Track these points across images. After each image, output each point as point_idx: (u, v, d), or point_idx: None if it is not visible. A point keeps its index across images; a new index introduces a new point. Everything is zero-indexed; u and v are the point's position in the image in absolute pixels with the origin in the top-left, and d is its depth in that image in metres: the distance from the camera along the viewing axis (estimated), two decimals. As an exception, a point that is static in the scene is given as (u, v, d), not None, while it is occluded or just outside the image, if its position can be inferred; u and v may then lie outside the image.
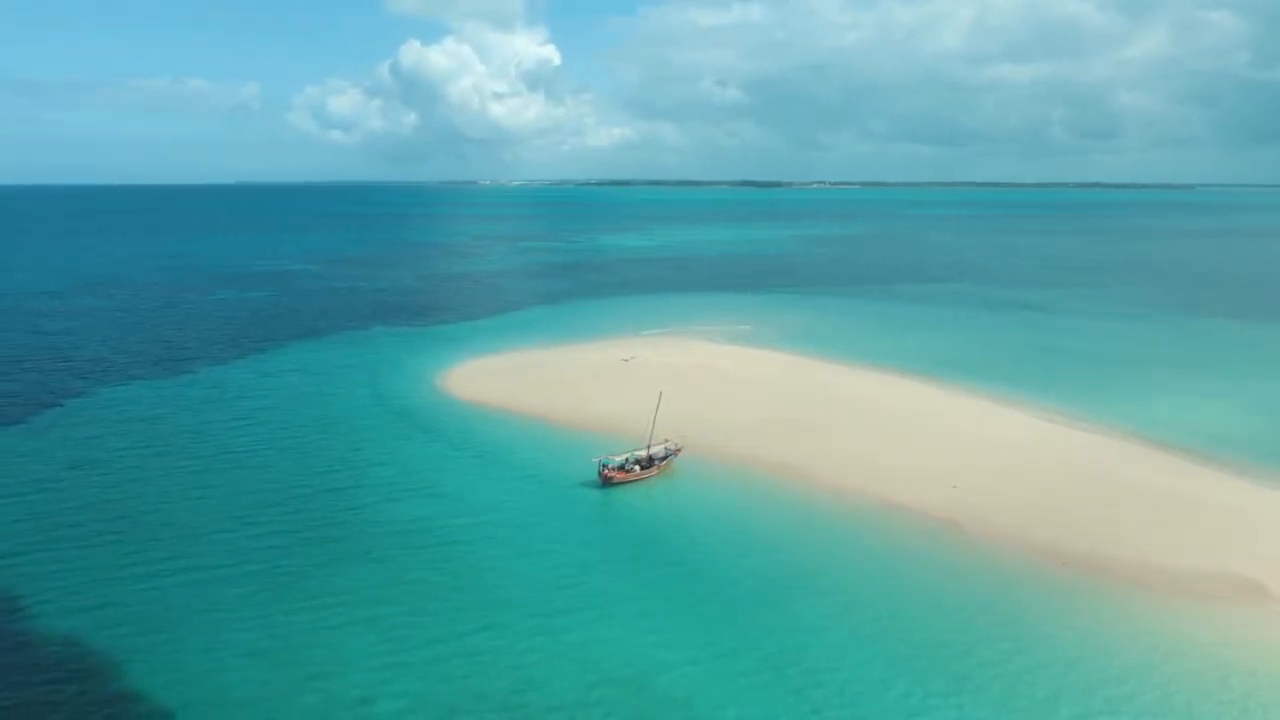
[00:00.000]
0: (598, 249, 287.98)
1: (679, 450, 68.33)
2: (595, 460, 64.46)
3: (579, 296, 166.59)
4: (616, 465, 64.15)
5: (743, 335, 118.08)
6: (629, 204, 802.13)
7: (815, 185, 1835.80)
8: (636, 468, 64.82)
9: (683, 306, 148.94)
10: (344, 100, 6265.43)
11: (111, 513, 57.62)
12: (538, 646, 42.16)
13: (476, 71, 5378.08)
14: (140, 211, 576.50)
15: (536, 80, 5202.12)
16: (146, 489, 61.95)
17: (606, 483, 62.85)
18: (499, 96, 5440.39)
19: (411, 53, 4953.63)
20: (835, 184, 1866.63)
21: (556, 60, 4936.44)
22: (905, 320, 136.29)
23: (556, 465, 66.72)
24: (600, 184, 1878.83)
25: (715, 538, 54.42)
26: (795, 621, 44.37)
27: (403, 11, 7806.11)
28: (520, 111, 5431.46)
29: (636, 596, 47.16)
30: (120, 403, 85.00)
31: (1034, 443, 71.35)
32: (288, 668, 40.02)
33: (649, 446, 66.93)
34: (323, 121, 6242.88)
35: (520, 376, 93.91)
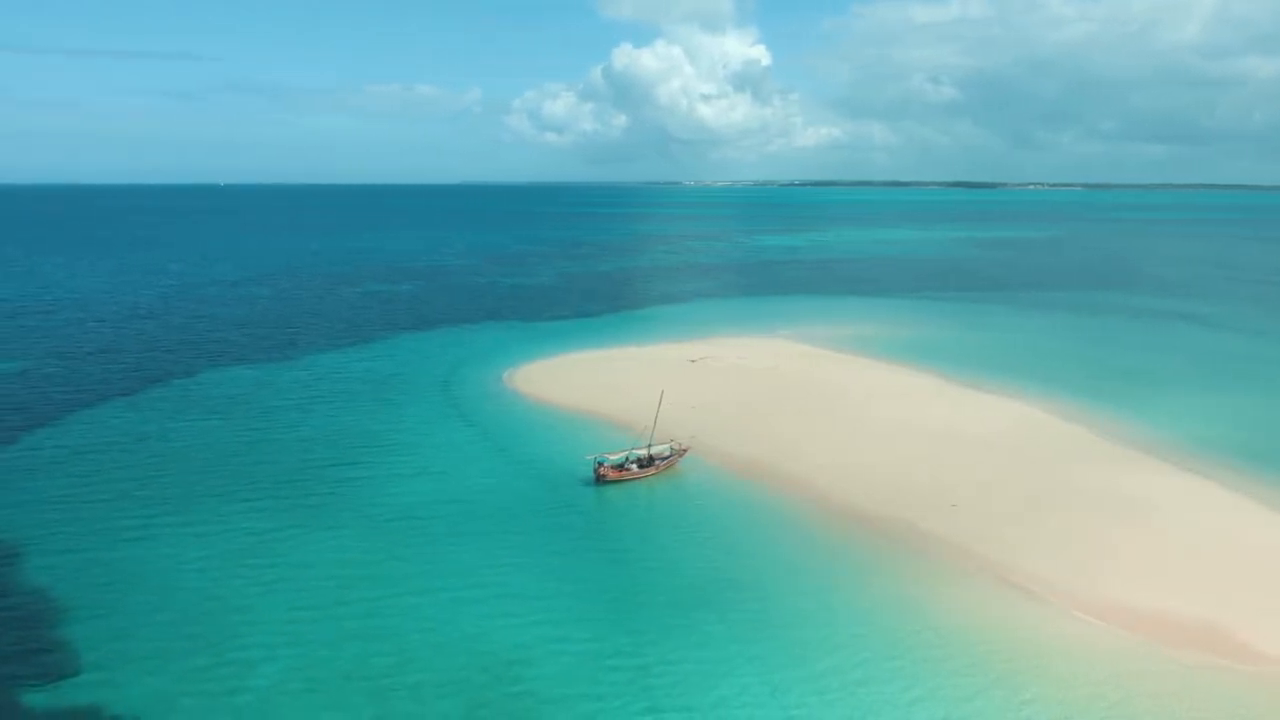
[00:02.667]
0: (758, 249, 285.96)
1: (685, 451, 67.55)
2: (589, 457, 64.87)
3: (701, 297, 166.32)
4: (614, 464, 64.27)
5: (840, 340, 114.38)
6: (822, 204, 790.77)
7: (1032, 186, 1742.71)
8: (634, 466, 64.73)
9: (803, 308, 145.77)
10: (559, 103, 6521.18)
11: (135, 475, 63.75)
12: (429, 627, 43.27)
13: (685, 73, 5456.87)
14: (352, 210, 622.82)
15: (744, 81, 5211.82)
16: (184, 458, 67.72)
17: (600, 480, 63.05)
18: (706, 98, 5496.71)
19: (623, 56, 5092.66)
20: (1054, 185, 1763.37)
21: (765, 61, 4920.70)
22: (1036, 330, 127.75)
23: (567, 460, 67.38)
24: (804, 184, 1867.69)
25: (677, 541, 53.58)
26: (698, 632, 43.26)
27: (616, 16, 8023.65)
28: (727, 112, 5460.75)
29: (560, 591, 47.30)
30: (217, 382, 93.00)
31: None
32: (189, 623, 43.15)
33: (650, 446, 66.62)
34: (538, 124, 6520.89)
35: (585, 373, 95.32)
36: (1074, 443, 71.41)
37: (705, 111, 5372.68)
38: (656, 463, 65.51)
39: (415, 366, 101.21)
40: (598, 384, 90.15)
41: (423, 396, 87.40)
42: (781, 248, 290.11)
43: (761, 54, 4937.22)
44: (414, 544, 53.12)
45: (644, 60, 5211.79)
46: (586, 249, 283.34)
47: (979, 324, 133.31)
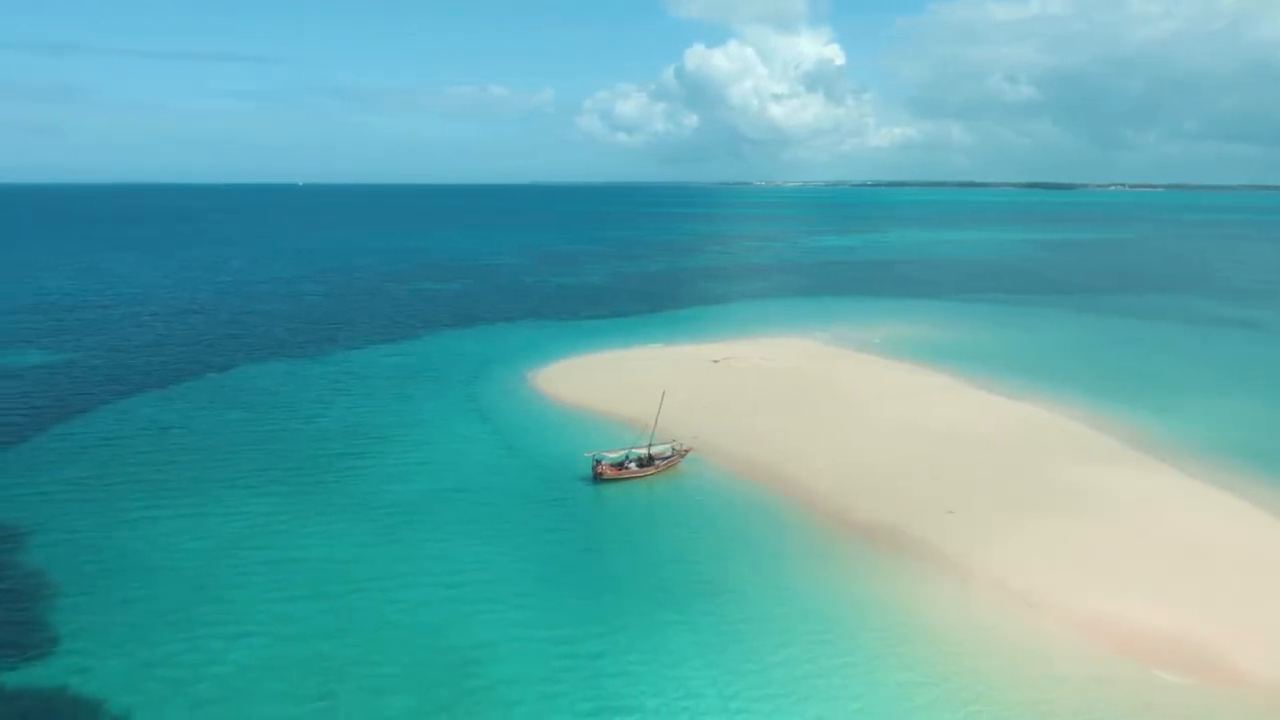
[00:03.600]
0: (814, 249, 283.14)
1: (687, 451, 67.25)
2: (587, 455, 64.94)
3: (744, 297, 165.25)
4: (613, 462, 64.26)
5: (871, 341, 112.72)
6: (891, 205, 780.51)
7: (1113, 188, 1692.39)
8: (633, 465, 64.67)
9: (842, 309, 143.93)
10: (630, 103, 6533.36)
11: (150, 462, 65.84)
12: (399, 618, 43.81)
13: (758, 73, 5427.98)
14: (421, 209, 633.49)
15: (817, 80, 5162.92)
16: (199, 448, 69.58)
17: (598, 478, 63.10)
18: (778, 98, 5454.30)
19: (695, 56, 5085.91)
20: (1135, 186, 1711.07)
21: (839, 60, 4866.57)
22: (1075, 334, 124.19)
23: (571, 459, 67.25)
24: (877, 185, 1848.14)
25: (664, 541, 53.41)
26: (662, 632, 43.03)
27: (688, 17, 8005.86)
28: (799, 112, 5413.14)
29: (535, 586, 47.42)
30: (249, 376, 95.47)
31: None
32: (170, 607, 44.38)
33: (650, 445, 66.47)
34: (609, 124, 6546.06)
35: (607, 373, 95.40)
36: (1085, 447, 69.24)
37: (777, 111, 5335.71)
38: (657, 462, 65.29)
39: (443, 363, 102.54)
40: (619, 384, 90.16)
41: (443, 393, 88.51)
42: (838, 248, 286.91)
43: (835, 53, 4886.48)
44: (401, 536, 53.80)
45: (716, 60, 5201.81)
46: (642, 249, 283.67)
47: (1018, 327, 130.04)
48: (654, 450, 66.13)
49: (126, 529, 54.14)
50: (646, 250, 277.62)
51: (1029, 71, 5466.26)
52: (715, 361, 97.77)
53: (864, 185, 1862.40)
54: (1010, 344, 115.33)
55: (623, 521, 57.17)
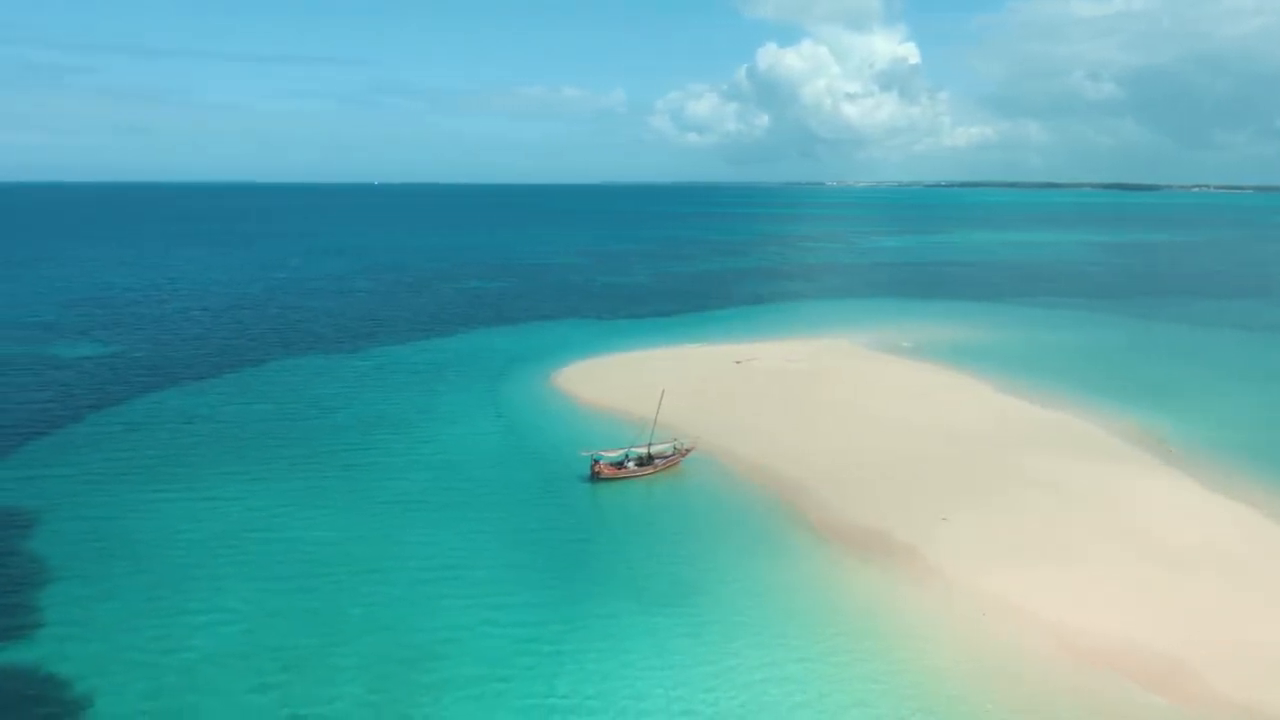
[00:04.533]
0: (871, 250, 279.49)
1: (688, 451, 67.10)
2: (584, 454, 65.11)
3: (785, 298, 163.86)
4: (611, 461, 64.40)
5: (904, 343, 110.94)
6: (963, 206, 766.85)
7: (1196, 189, 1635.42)
8: (631, 464, 64.74)
9: (882, 310, 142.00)
10: (701, 104, 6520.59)
11: (167, 452, 67.99)
12: (373, 608, 44.56)
13: (830, 72, 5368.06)
14: (488, 208, 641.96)
15: (891, 79, 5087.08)
16: (218, 439, 71.56)
17: (595, 477, 63.24)
18: (852, 97, 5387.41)
19: (768, 56, 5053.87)
20: (1222, 187, 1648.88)
21: (914, 59, 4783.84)
22: (1116, 338, 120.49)
23: (575, 457, 67.41)
24: (951, 185, 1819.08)
25: (650, 540, 53.20)
26: (628, 631, 43.05)
27: (760, 16, 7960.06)
28: (872, 112, 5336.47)
29: (513, 582, 47.76)
30: (283, 370, 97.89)
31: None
32: (156, 593, 45.88)
33: (649, 445, 66.46)
34: (680, 124, 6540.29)
35: (629, 372, 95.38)
36: (1108, 454, 67.15)
37: (850, 111, 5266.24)
38: (656, 462, 65.26)
39: (472, 360, 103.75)
40: (637, 383, 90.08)
41: (465, 389, 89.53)
42: (893, 249, 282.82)
43: (910, 52, 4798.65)
44: (392, 528, 54.51)
45: (788, 60, 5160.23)
46: (696, 248, 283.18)
47: (1059, 330, 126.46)
48: (654, 450, 66.08)
49: (130, 516, 55.96)
50: (700, 250, 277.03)
51: (1112, 69, 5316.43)
52: (738, 363, 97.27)
53: (938, 186, 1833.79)
54: (1046, 348, 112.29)
55: (612, 520, 57.15)
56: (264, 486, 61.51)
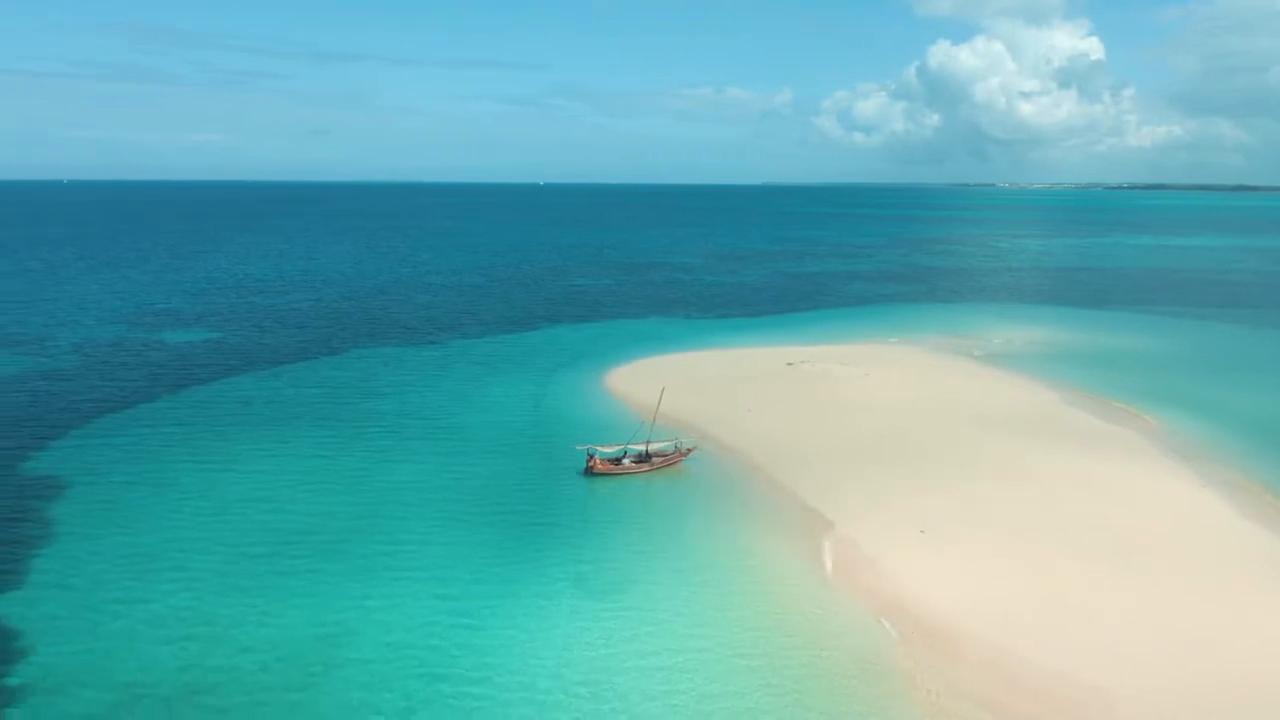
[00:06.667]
0: (1004, 252, 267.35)
1: (690, 450, 66.71)
2: (580, 448, 65.79)
3: (881, 301, 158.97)
4: (609, 456, 64.86)
5: (972, 352, 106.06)
6: (1139, 209, 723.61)
7: None
8: (628, 461, 65.00)
9: (978, 315, 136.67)
10: (869, 104, 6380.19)
11: (208, 432, 72.42)
12: (324, 597, 46.55)
13: (1005, 69, 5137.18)
14: (641, 207, 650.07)
15: (1070, 76, 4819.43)
16: (261, 422, 75.94)
17: (589, 472, 63.74)
18: (1027, 95, 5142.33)
19: (939, 53, 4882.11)
20: None
21: (1097, 54, 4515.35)
22: (1236, 351, 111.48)
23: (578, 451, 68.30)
24: (1134, 188, 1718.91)
25: (636, 538, 52.74)
26: (583, 628, 43.63)
27: (933, 14, 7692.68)
28: (1050, 110, 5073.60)
29: (474, 574, 48.30)
30: (354, 359, 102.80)
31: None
32: (138, 564, 49.66)
33: (648, 442, 66.50)
34: (846, 124, 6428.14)
35: (677, 371, 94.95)
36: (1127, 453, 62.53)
37: (1025, 109, 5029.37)
38: (654, 459, 65.28)
39: (535, 355, 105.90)
40: (680, 382, 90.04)
41: (515, 383, 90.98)
42: (1030, 251, 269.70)
43: (1093, 47, 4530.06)
44: (381, 518, 55.67)
45: (961, 57, 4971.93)
46: (821, 249, 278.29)
47: (1163, 338, 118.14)
48: (653, 448, 66.12)
49: (149, 485, 60.32)
50: (823, 251, 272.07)
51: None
52: (789, 365, 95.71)
53: (1119, 188, 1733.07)
54: (1127, 353, 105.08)
55: (605, 517, 56.43)
56: (276, 464, 65.12)
